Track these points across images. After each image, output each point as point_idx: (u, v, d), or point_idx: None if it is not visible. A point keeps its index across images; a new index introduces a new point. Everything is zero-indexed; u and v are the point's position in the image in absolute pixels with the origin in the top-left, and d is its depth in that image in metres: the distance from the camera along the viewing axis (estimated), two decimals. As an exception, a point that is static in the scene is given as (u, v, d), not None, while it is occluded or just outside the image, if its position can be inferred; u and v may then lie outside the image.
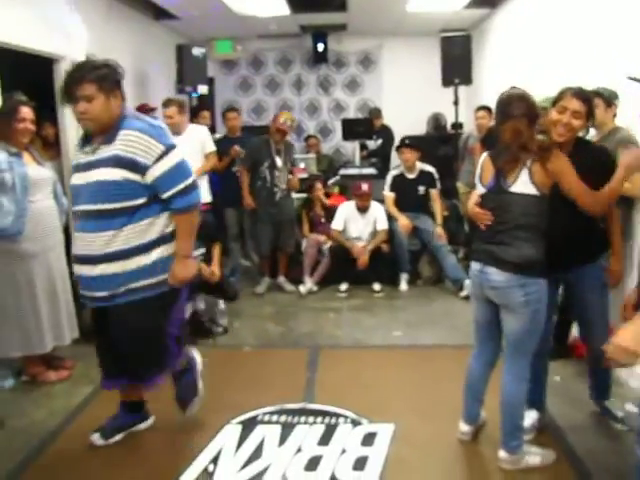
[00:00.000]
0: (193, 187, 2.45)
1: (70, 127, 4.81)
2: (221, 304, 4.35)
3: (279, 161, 5.12)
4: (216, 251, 4.31)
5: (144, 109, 5.51)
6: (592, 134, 3.54)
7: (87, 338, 3.84)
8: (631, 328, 1.63)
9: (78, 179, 2.46)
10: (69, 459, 2.64)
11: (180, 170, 2.42)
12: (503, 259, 2.38)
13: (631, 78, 2.71)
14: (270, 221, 5.17)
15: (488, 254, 2.46)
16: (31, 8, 4.25)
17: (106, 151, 2.36)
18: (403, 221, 5.33)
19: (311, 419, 2.98)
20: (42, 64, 4.59)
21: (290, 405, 3.12)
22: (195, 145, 4.92)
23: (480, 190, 2.58)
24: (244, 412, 3.04)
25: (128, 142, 2.34)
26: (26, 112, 3.21)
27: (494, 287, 2.42)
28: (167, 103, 4.96)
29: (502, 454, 2.51)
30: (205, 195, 4.94)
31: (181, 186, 2.40)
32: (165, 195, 2.41)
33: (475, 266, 2.55)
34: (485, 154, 2.60)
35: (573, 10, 4.44)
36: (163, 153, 2.36)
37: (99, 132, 2.44)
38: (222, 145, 5.37)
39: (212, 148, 5.11)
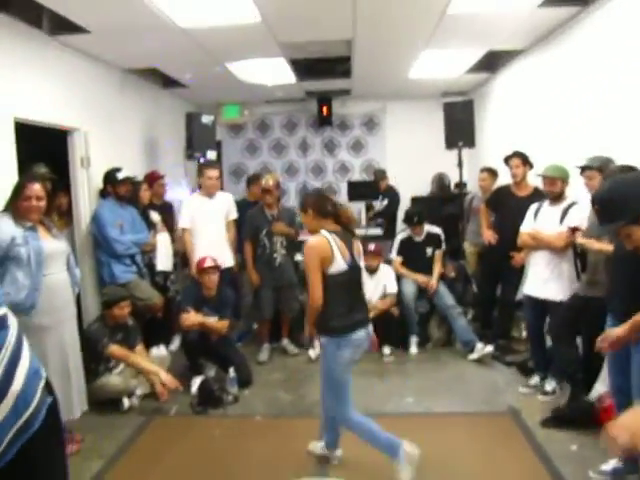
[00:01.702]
0: None
1: (84, 196, 4.91)
2: (231, 372, 4.32)
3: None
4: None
5: (154, 177, 5.63)
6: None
7: (96, 410, 3.86)
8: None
9: None
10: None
11: None
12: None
13: None
14: (271, 286, 5.20)
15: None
16: (47, 84, 4.41)
17: None
18: (422, 278, 5.37)
19: (326, 496, 2.92)
20: (56, 135, 4.72)
21: (304, 481, 3.06)
22: (223, 210, 5.24)
23: None
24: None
25: None
26: (33, 189, 3.18)
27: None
28: (211, 164, 5.40)
29: None
30: (228, 259, 5.17)
31: None
32: None
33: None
34: None
35: (572, 75, 4.59)
36: None
37: None
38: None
39: (235, 216, 5.36)
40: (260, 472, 3.20)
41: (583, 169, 3.60)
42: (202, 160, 6.32)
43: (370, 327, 3.13)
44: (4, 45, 3.90)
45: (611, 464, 2.97)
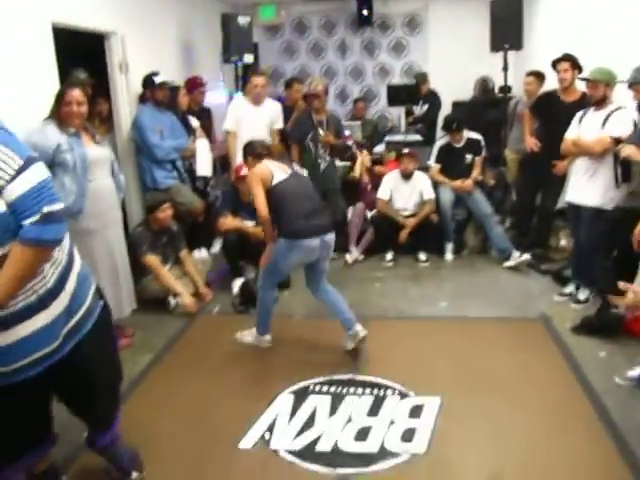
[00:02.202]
0: (55, 218, 1.72)
1: (124, 102, 4.94)
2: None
3: (322, 132, 5.15)
4: None
5: (195, 83, 5.57)
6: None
7: (145, 309, 4.10)
8: None
9: None
10: (136, 421, 2.81)
11: (45, 191, 1.71)
12: None
13: None
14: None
15: None
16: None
17: None
18: (457, 183, 5.34)
19: (360, 390, 3.11)
20: (94, 40, 4.70)
21: (339, 376, 3.25)
22: (268, 118, 5.29)
23: None
24: (296, 382, 3.20)
25: None
26: (73, 95, 3.18)
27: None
28: (258, 72, 5.34)
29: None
30: None
31: (44, 211, 1.68)
32: (26, 222, 1.66)
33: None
34: None
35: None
36: (22, 168, 1.67)
37: None
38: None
39: (280, 125, 5.40)
40: (295, 367, 3.40)
41: (630, 84, 3.43)
42: (239, 64, 6.23)
43: (330, 235, 3.48)
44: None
45: (637, 370, 3.06)
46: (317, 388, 3.15)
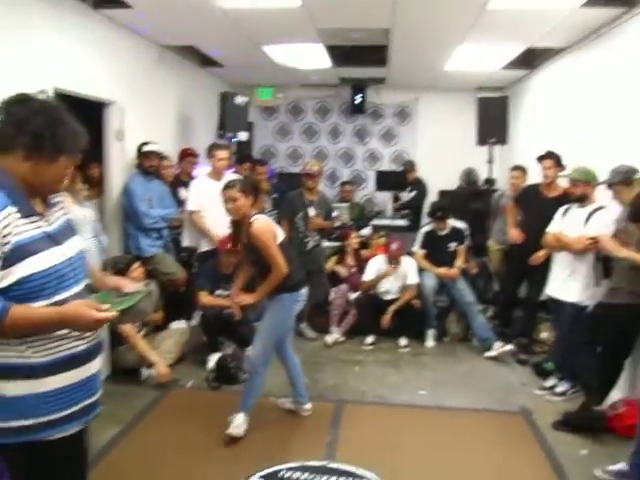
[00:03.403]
0: None
1: (116, 169, 5.00)
2: (248, 351, 4.39)
3: (312, 212, 5.22)
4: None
5: (185, 153, 5.68)
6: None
7: (117, 378, 3.97)
8: None
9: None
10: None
11: None
12: None
13: None
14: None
15: None
16: (87, 57, 4.49)
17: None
18: (442, 270, 5.36)
19: (333, 479, 2.98)
20: (92, 107, 4.80)
21: (312, 462, 3.12)
22: None
23: None
24: (267, 466, 3.06)
25: None
26: None
27: None
28: (220, 147, 5.12)
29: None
30: None
31: None
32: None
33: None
34: None
35: (611, 78, 4.50)
36: None
37: None
38: None
39: None
40: (268, 449, 3.27)
41: (609, 185, 3.56)
42: (233, 140, 6.38)
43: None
44: (49, 17, 3.98)
45: (618, 465, 2.99)
46: (288, 474, 3.01)
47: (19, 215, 1.56)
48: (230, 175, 5.24)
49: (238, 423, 3.40)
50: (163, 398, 3.98)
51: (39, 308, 1.57)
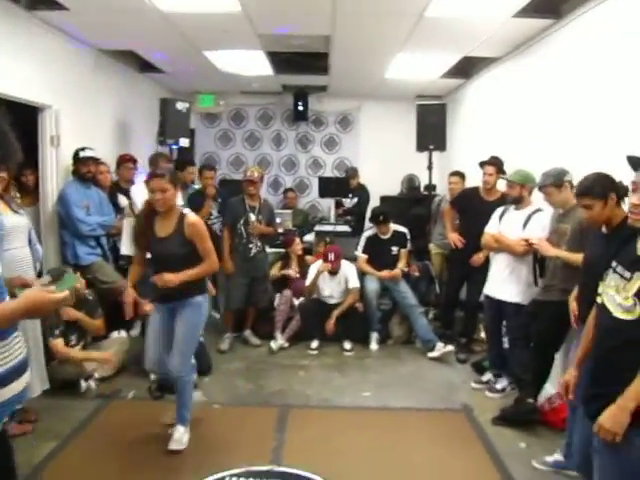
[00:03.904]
0: None
1: (52, 175, 4.85)
2: (192, 359, 4.31)
3: (253, 217, 5.21)
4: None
5: (123, 158, 5.55)
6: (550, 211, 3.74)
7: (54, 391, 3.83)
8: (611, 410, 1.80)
9: None
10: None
11: None
12: None
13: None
14: (244, 276, 5.20)
15: None
16: (20, 60, 4.34)
17: None
18: (385, 273, 5.42)
19: (279, 483, 2.96)
20: (26, 111, 4.64)
21: (257, 467, 3.09)
22: None
23: None
24: (211, 473, 3.01)
25: None
26: None
27: None
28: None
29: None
30: None
31: None
32: None
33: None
34: None
35: (543, 85, 4.69)
36: None
37: None
38: (196, 200, 5.45)
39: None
40: (212, 457, 3.22)
41: (540, 187, 3.70)
42: (174, 147, 6.29)
43: None
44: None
45: (555, 456, 3.13)
46: (233, 480, 2.98)
47: None
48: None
49: (178, 437, 3.32)
50: (103, 410, 3.87)
51: (6, 302, 1.69)
